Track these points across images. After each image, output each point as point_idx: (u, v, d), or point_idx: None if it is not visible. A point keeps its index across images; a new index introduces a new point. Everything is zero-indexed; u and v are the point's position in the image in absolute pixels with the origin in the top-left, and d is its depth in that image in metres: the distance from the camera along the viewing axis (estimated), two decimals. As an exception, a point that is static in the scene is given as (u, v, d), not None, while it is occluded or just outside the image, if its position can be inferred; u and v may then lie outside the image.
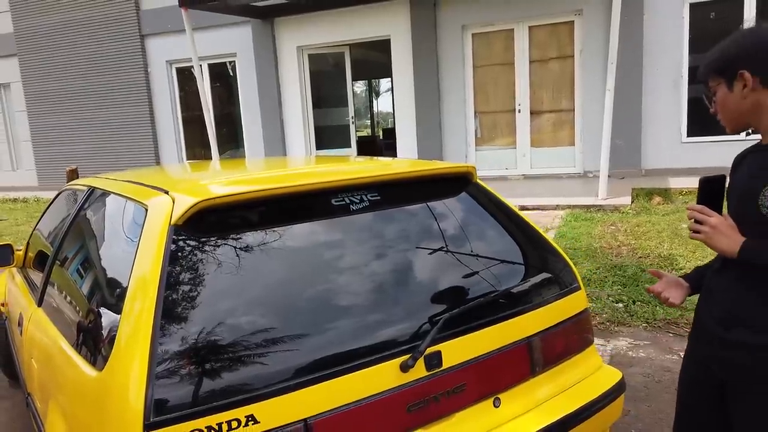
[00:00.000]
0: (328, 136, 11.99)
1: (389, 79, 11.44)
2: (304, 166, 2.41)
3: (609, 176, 8.78)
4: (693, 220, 1.58)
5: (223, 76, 12.63)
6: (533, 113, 10.43)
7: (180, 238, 1.49)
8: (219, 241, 1.55)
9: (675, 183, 8.44)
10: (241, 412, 1.31)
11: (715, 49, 1.61)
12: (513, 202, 8.14)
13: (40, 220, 2.97)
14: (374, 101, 24.06)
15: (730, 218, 1.58)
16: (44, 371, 1.90)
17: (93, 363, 1.48)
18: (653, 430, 2.84)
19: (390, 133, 12.99)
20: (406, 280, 1.72)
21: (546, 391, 1.85)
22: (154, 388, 1.25)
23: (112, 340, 1.40)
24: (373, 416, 1.48)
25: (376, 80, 21.25)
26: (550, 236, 6.51)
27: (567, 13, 9.61)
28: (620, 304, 4.44)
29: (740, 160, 1.70)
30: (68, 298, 1.94)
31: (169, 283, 1.40)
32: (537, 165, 10.42)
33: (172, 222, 1.51)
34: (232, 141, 12.83)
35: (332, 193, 1.74)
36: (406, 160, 2.31)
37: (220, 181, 1.79)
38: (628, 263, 5.21)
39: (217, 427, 1.28)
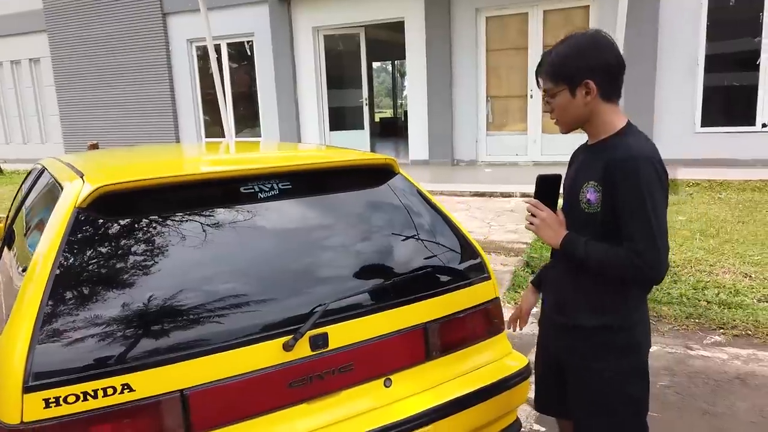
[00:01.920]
0: (342, 118, 12.09)
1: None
2: (223, 155, 2.52)
3: (617, 165, 8.65)
4: (530, 213, 1.76)
5: (242, 56, 12.80)
6: (546, 99, 10.33)
7: (82, 219, 1.62)
8: (119, 223, 1.67)
9: (684, 174, 8.30)
10: (116, 381, 1.44)
11: (558, 53, 1.66)
12: (517, 189, 8.15)
13: (16, 195, 3.16)
14: (398, 82, 23.96)
15: (561, 213, 1.74)
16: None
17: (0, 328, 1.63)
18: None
19: (409, 116, 13.01)
20: (304, 265, 1.82)
21: (444, 374, 1.94)
22: (34, 354, 1.39)
23: (9, 306, 1.55)
24: (251, 390, 1.60)
25: (401, 61, 21.14)
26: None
27: (582, -2, 9.45)
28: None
29: (574, 158, 1.83)
30: (4, 268, 2.11)
31: (63, 260, 1.53)
32: (547, 152, 10.33)
33: (78, 204, 1.63)
34: (249, 120, 13.04)
35: (241, 181, 1.85)
36: (329, 149, 2.40)
37: (131, 167, 1.91)
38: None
39: (93, 393, 1.42)
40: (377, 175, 2.15)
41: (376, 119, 20.57)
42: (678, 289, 4.44)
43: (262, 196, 1.86)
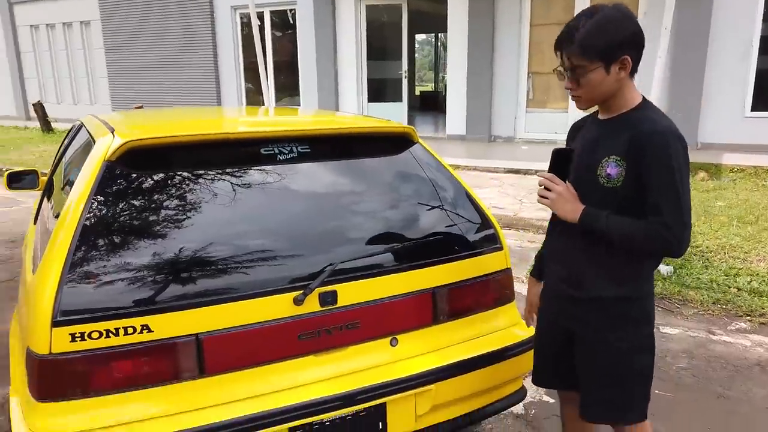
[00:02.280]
0: (381, 89, 12.06)
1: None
2: (248, 117, 2.59)
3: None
4: (542, 186, 1.73)
5: (284, 24, 12.84)
6: (589, 77, 10.06)
7: (111, 172, 1.73)
8: (145, 177, 1.77)
9: (729, 159, 8.03)
10: (136, 321, 1.55)
11: (592, 28, 1.58)
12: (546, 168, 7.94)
13: (59, 149, 3.33)
14: (441, 56, 23.64)
15: (571, 187, 1.72)
16: (21, 277, 2.25)
17: (33, 268, 1.77)
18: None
19: (449, 90, 12.87)
20: (318, 226, 1.89)
21: (450, 338, 2.00)
22: (62, 293, 1.51)
23: (43, 250, 1.67)
24: (261, 339, 1.69)
25: (444, 34, 20.89)
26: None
27: (632, -28, 9.10)
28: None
29: (577, 130, 1.83)
30: (42, 218, 2.26)
31: (92, 209, 1.64)
32: (588, 131, 10.12)
33: (107, 158, 1.74)
34: (289, 89, 13.13)
35: (262, 142, 1.92)
36: (352, 117, 2.45)
37: (159, 125, 2.00)
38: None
39: (114, 331, 1.53)
40: (396, 143, 2.19)
41: (417, 92, 20.39)
42: (709, 274, 4.36)
43: (281, 158, 1.93)
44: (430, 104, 17.45)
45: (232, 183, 1.87)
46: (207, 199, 1.80)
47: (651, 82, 7.55)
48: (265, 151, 1.92)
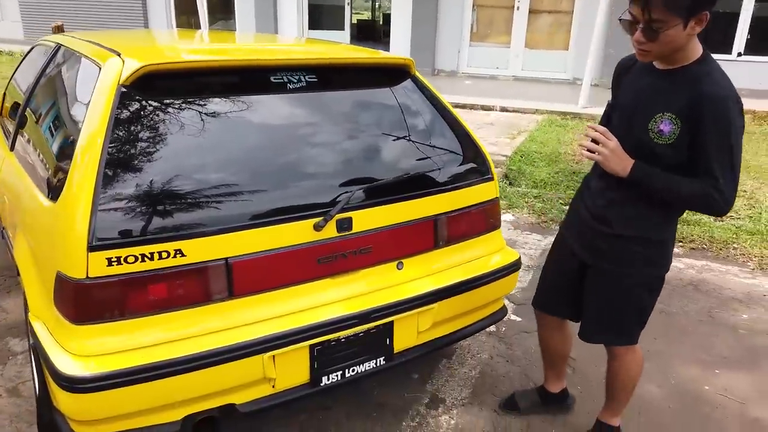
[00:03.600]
0: (322, 17, 11.70)
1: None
2: (252, 44, 2.55)
3: (597, 85, 8.82)
4: (590, 140, 1.73)
5: (217, -60, 12.03)
6: (532, 12, 10.20)
7: (127, 96, 1.70)
8: (162, 102, 1.75)
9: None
10: (170, 246, 1.59)
11: None
12: (497, 103, 8.23)
13: (15, 71, 3.12)
14: (378, -17, 22.95)
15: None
16: (13, 205, 2.18)
17: (49, 196, 1.74)
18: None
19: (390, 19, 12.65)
20: (332, 155, 1.96)
21: (447, 262, 2.16)
22: (96, 219, 1.51)
23: (64, 178, 1.65)
24: (285, 263, 1.78)
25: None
26: (522, 138, 6.71)
27: None
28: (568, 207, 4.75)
29: (625, 72, 1.84)
30: (35, 144, 2.17)
31: (114, 134, 1.62)
32: (528, 67, 10.35)
33: (121, 82, 1.70)
34: (223, 11, 12.48)
35: (271, 70, 1.93)
36: (349, 47, 2.46)
37: (169, 48, 1.95)
38: (585, 170, 5.48)
39: (149, 255, 1.57)
40: (395, 75, 2.24)
41: (353, 21, 19.85)
42: (643, 205, 4.75)
43: (290, 87, 1.95)
44: (368, 34, 17.07)
45: (245, 110, 1.88)
46: (223, 126, 1.80)
47: (594, 22, 7.78)
48: (274, 79, 1.92)
